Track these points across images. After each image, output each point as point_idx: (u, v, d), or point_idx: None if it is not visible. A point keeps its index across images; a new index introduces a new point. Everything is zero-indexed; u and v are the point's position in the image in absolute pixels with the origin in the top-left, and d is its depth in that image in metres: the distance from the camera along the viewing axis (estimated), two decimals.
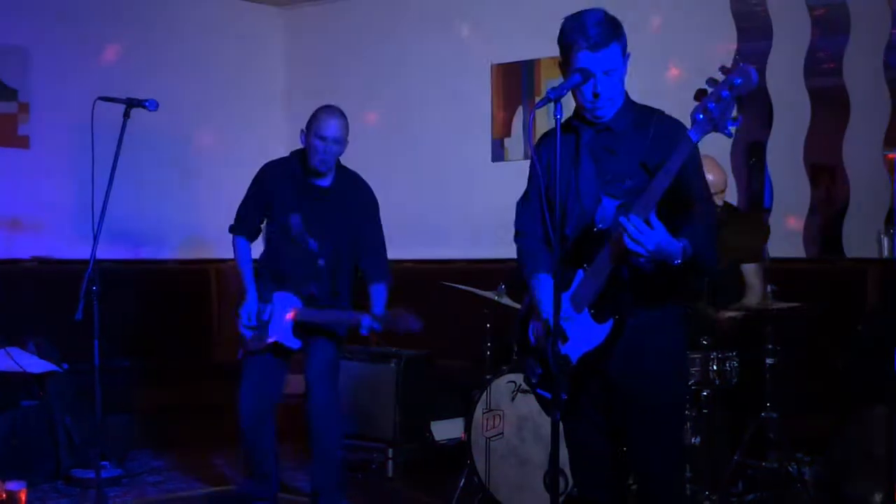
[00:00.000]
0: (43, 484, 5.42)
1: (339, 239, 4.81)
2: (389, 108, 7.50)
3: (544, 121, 6.60)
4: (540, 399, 3.37)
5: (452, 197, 7.17)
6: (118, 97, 4.45)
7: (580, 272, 3.24)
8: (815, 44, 5.91)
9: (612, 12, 3.27)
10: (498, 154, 6.99)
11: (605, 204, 3.24)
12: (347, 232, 4.82)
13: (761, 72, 5.98)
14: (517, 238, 3.59)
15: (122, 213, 5.07)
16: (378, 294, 4.82)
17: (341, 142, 4.79)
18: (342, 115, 4.83)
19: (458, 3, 7.22)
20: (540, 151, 3.47)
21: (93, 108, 4.25)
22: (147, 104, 4.50)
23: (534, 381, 3.37)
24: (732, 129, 2.96)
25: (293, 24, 8.02)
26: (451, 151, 7.20)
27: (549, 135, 3.47)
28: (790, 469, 4.66)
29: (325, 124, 4.74)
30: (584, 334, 3.24)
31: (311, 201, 4.83)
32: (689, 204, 3.13)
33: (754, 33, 6.08)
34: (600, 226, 3.21)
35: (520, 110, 6.87)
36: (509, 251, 7.05)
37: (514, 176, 6.77)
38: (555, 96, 3.26)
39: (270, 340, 4.79)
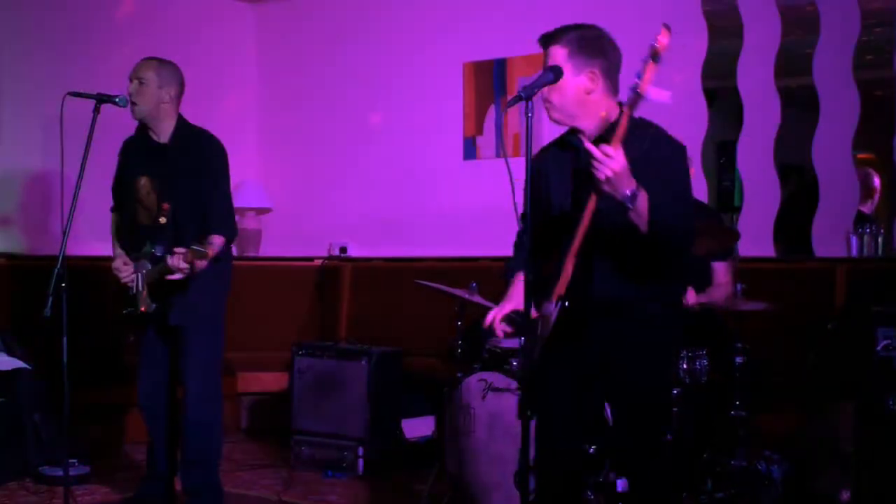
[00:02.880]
0: (11, 482, 5.39)
1: (179, 195, 4.65)
2: (361, 105, 7.48)
3: (516, 119, 6.62)
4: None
5: (424, 195, 7.17)
6: (88, 92, 4.43)
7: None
8: (785, 44, 5.94)
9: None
10: (470, 152, 6.99)
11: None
12: (188, 188, 4.65)
13: (731, 71, 6.01)
14: (514, 247, 3.73)
15: (93, 210, 5.03)
16: (211, 244, 4.54)
17: (142, 81, 4.65)
18: (159, 59, 4.73)
19: (430, 0, 7.22)
20: (535, 165, 3.47)
21: (62, 103, 4.22)
22: (117, 100, 4.50)
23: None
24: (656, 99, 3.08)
25: (265, 20, 8.00)
26: (422, 149, 7.20)
27: (545, 152, 3.60)
28: (759, 467, 4.68)
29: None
30: (545, 313, 3.40)
31: (154, 161, 4.73)
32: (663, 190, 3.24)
33: (725, 33, 6.11)
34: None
35: (492, 108, 6.88)
36: (480, 249, 7.12)
37: (486, 174, 6.82)
38: (527, 94, 3.30)
39: (141, 309, 4.70)
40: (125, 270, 4.71)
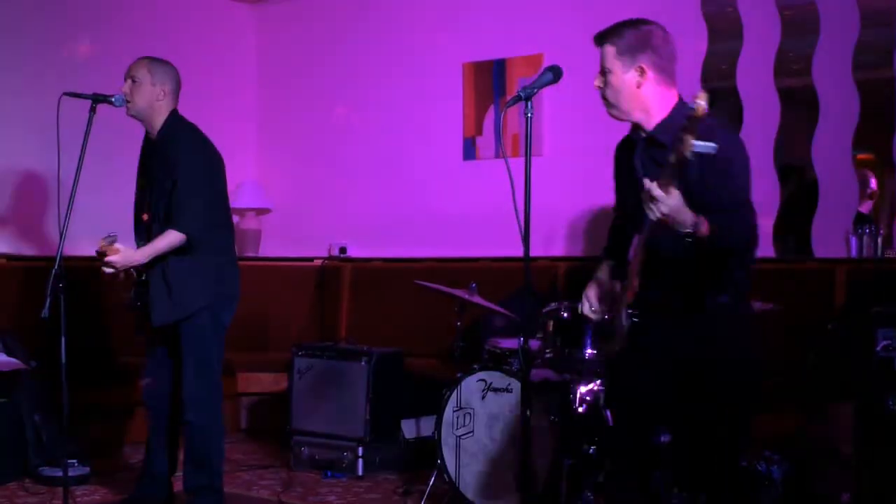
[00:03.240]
0: (10, 482, 5.39)
1: (160, 191, 4.65)
2: (360, 105, 7.48)
3: (516, 119, 6.62)
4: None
5: (424, 195, 7.17)
6: (84, 92, 4.44)
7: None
8: (784, 45, 5.94)
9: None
10: (469, 152, 6.98)
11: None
12: (164, 183, 4.65)
13: (731, 72, 6.01)
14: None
15: (90, 209, 5.03)
16: (161, 237, 4.58)
17: (135, 79, 4.66)
18: (151, 58, 4.75)
19: (430, 1, 7.21)
20: (615, 157, 3.78)
21: (59, 103, 4.22)
22: (113, 99, 4.51)
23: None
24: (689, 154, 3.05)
25: (264, 20, 8.00)
26: (422, 150, 7.20)
27: (622, 142, 3.75)
28: (759, 467, 4.67)
29: None
30: (619, 328, 3.52)
31: (147, 158, 4.78)
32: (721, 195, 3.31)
33: (725, 34, 6.11)
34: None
35: (491, 109, 6.88)
36: (479, 250, 7.12)
37: (486, 174, 6.82)
38: (526, 95, 3.32)
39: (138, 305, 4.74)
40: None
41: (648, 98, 3.48)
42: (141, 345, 4.97)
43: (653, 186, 3.10)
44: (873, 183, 6.14)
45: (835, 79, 5.76)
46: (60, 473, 4.72)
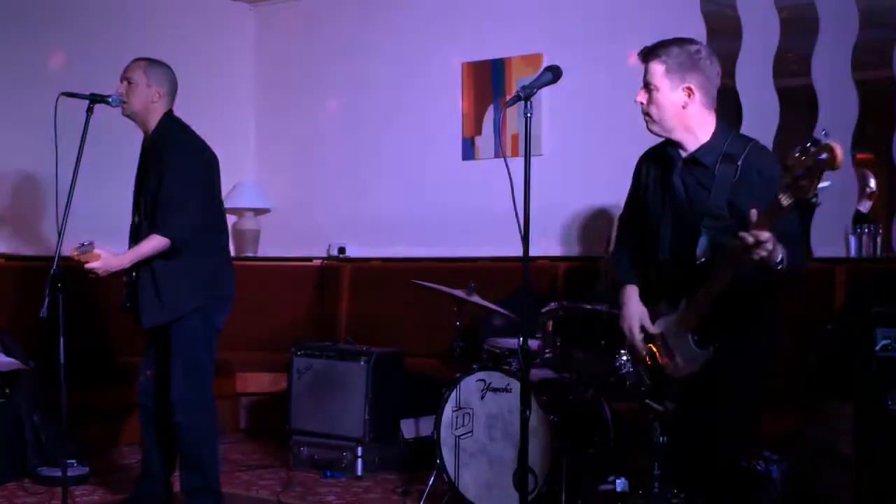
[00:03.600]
0: (9, 482, 5.38)
1: (148, 192, 4.64)
2: (359, 105, 7.48)
3: (515, 119, 6.61)
4: (649, 408, 3.67)
5: (422, 195, 7.16)
6: (82, 92, 4.43)
7: (682, 304, 3.49)
8: (784, 44, 5.94)
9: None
10: (468, 153, 6.98)
11: (702, 240, 3.43)
12: (153, 185, 4.63)
13: (730, 72, 6.01)
14: (616, 248, 3.92)
15: (90, 210, 5.02)
16: (146, 241, 4.56)
17: (131, 81, 4.66)
18: (148, 59, 4.74)
19: (429, 1, 7.21)
20: (639, 170, 3.77)
21: (56, 103, 4.22)
22: (109, 100, 4.51)
23: (643, 389, 3.67)
24: (815, 200, 3.02)
25: (263, 21, 7.99)
26: (421, 149, 7.20)
27: (651, 154, 3.75)
28: (758, 467, 4.67)
29: None
30: (686, 355, 3.50)
31: (142, 159, 4.77)
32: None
33: (724, 34, 6.10)
34: (702, 259, 3.41)
35: (490, 109, 6.87)
36: (479, 250, 7.11)
37: (485, 175, 6.82)
38: (525, 95, 3.32)
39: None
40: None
41: (693, 118, 3.51)
42: (140, 344, 4.97)
43: (755, 232, 3.07)
44: (873, 182, 6.14)
45: (834, 79, 5.75)
46: (59, 473, 4.71)
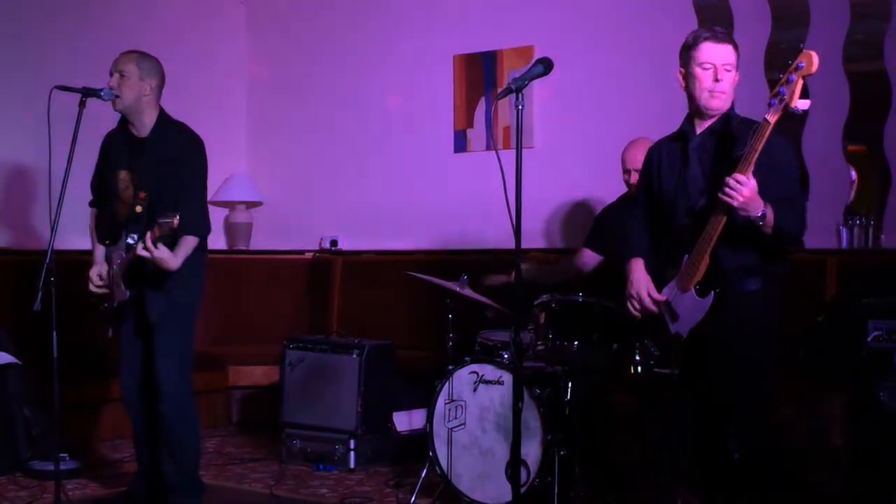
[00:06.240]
0: (1, 476, 5.38)
1: (155, 188, 4.62)
2: (351, 98, 7.47)
3: (506, 111, 6.61)
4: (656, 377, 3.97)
5: (414, 188, 7.16)
6: (74, 86, 4.42)
7: (686, 257, 3.71)
8: (775, 37, 5.94)
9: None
10: (460, 145, 6.98)
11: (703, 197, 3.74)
12: (164, 181, 4.63)
13: None
14: (626, 228, 4.15)
15: (80, 204, 5.01)
16: (185, 243, 4.57)
17: (123, 73, 4.65)
18: (139, 52, 4.74)
19: None
20: (650, 156, 4.02)
21: (49, 97, 4.21)
22: (102, 93, 4.50)
23: (651, 361, 3.99)
24: (802, 109, 3.39)
25: (255, 12, 7.98)
26: (413, 142, 7.20)
27: (660, 142, 4.02)
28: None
29: None
30: (691, 310, 3.71)
31: (134, 155, 4.72)
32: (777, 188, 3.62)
33: (715, 26, 6.10)
34: (700, 206, 3.70)
35: (482, 101, 6.87)
36: (471, 242, 7.11)
37: (476, 167, 6.82)
38: (517, 87, 3.32)
39: (117, 301, 4.71)
40: (97, 282, 4.74)
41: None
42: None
43: (737, 175, 3.44)
44: (853, 174, 6.13)
45: (825, 71, 5.74)
46: (51, 467, 4.71)
